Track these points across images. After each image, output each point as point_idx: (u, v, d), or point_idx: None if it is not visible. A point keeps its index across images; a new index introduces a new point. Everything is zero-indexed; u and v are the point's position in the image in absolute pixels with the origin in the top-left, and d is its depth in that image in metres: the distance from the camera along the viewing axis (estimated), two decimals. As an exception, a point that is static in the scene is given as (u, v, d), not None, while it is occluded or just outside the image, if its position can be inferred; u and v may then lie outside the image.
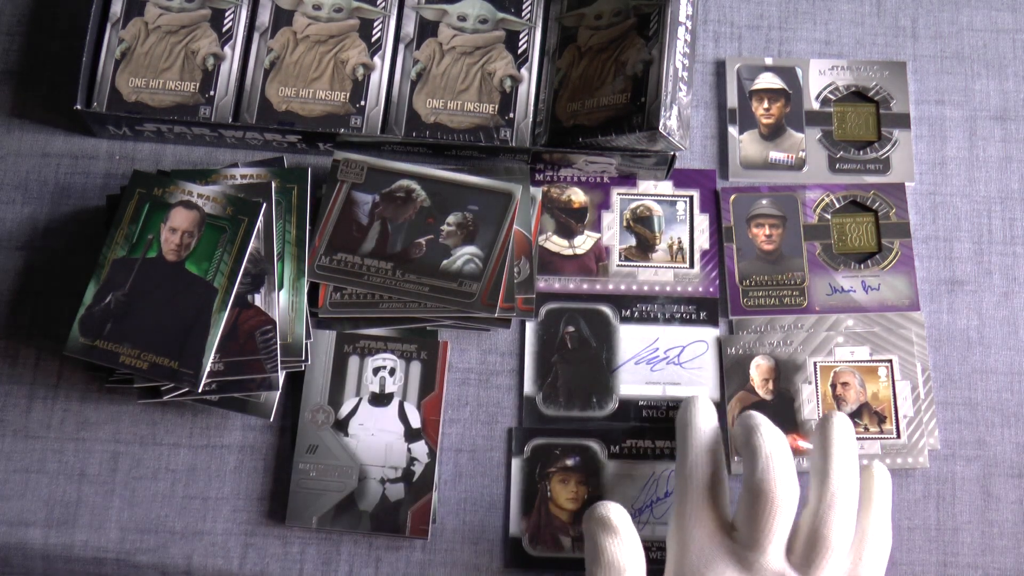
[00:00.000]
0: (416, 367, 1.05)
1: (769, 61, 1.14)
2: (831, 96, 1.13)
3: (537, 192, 1.10)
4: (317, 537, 1.02)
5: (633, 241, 1.10)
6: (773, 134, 1.12)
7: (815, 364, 1.05)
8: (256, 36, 1.11)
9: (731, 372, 1.05)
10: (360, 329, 1.05)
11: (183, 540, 1.02)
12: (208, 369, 0.97)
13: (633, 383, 1.05)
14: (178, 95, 1.10)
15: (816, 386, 1.05)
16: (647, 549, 1.01)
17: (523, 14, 1.12)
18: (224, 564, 1.01)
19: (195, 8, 1.12)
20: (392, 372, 1.04)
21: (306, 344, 1.00)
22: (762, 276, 1.08)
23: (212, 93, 1.10)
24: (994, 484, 1.03)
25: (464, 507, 1.03)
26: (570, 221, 1.10)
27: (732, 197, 1.10)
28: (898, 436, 1.03)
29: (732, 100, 1.13)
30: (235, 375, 0.98)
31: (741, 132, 1.12)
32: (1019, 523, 1.02)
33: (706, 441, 0.91)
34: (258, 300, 1.00)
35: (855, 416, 1.04)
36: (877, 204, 1.10)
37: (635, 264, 1.09)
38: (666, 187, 1.11)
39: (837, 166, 1.11)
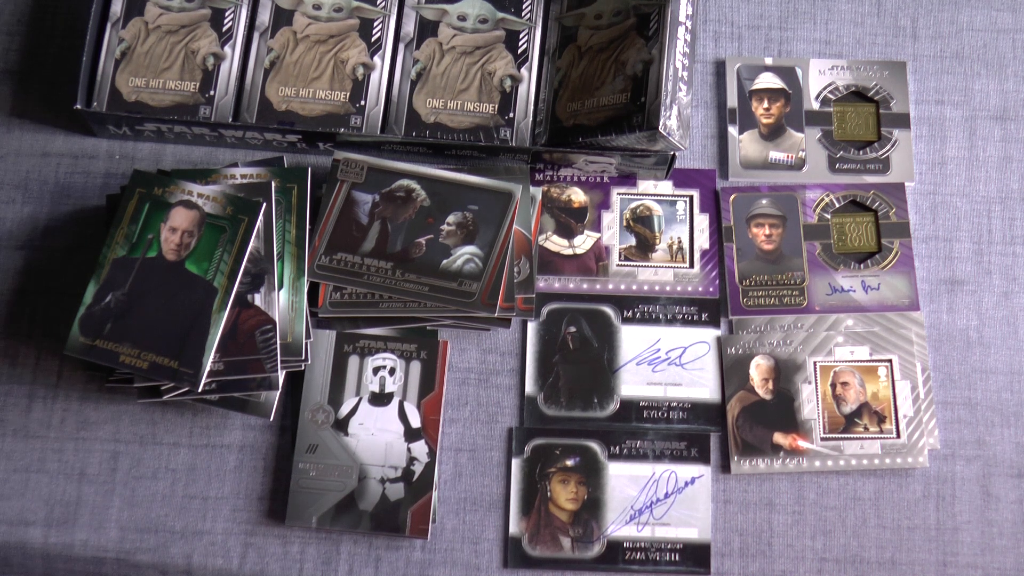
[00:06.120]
0: (416, 367, 1.05)
1: (769, 61, 1.14)
2: (831, 96, 1.13)
3: (537, 192, 1.10)
4: (317, 537, 1.02)
5: (633, 241, 1.10)
6: (773, 134, 1.12)
7: (815, 364, 1.05)
8: (256, 36, 1.11)
9: (731, 372, 1.05)
10: (360, 329, 1.05)
11: (183, 540, 1.02)
12: (208, 369, 0.97)
13: (634, 384, 1.05)
14: (178, 95, 1.09)
15: (816, 386, 1.05)
16: (646, 550, 1.01)
17: (523, 14, 1.12)
18: (224, 564, 1.01)
19: (195, 8, 1.12)
20: (392, 372, 1.04)
21: (306, 344, 1.00)
22: (762, 276, 1.08)
23: (212, 93, 1.10)
24: (994, 484, 1.03)
25: (464, 507, 1.03)
26: (570, 221, 1.10)
27: (732, 197, 1.10)
28: (898, 436, 1.03)
29: (732, 100, 1.13)
30: (235, 375, 0.98)
31: (741, 132, 1.12)
32: (1019, 523, 1.02)
33: None
34: (258, 300, 1.00)
35: (855, 416, 1.04)
36: (877, 204, 1.10)
37: (635, 264, 1.09)
38: (666, 187, 1.11)
39: (837, 166, 1.11)
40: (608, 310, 1.07)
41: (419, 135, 1.09)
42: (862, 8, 1.17)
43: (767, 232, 1.09)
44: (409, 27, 1.12)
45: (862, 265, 1.08)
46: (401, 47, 1.12)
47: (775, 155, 1.12)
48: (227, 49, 1.11)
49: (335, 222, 1.05)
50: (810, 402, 1.04)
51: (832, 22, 1.16)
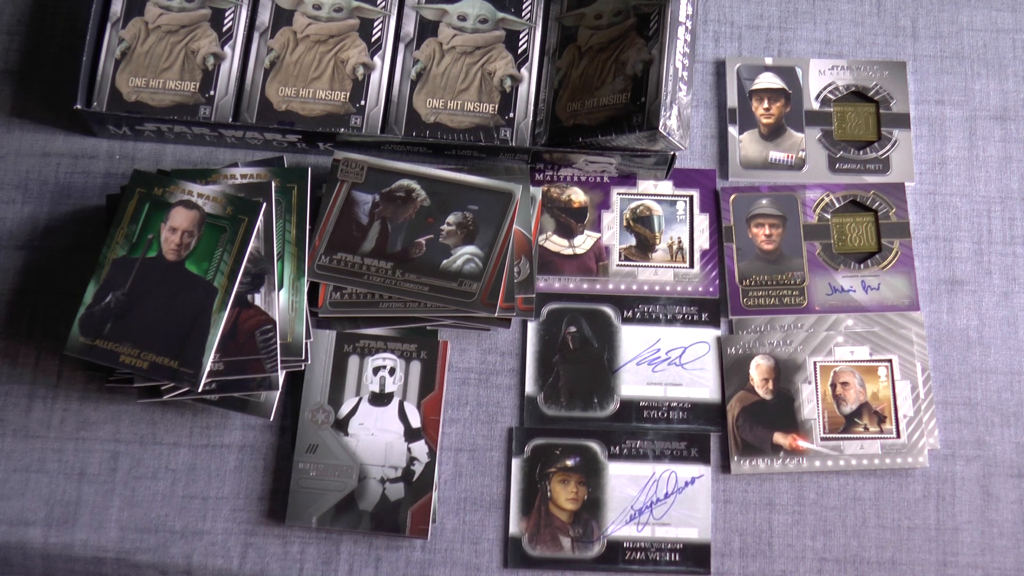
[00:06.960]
0: (416, 367, 1.05)
1: (769, 61, 1.14)
2: (831, 96, 1.13)
3: (537, 192, 1.10)
4: (317, 537, 1.02)
5: (633, 241, 1.10)
6: (773, 134, 1.12)
7: (815, 364, 1.05)
8: (256, 36, 1.11)
9: (731, 372, 1.05)
10: (360, 329, 1.05)
11: (183, 540, 1.02)
12: (208, 368, 0.97)
13: (634, 384, 1.05)
14: (178, 95, 1.09)
15: (816, 386, 1.05)
16: (646, 550, 1.01)
17: (523, 14, 1.12)
18: (224, 564, 1.01)
19: (195, 8, 1.12)
20: (392, 372, 1.04)
21: (306, 344, 1.00)
22: (762, 276, 1.08)
23: (212, 93, 1.10)
24: (994, 484, 1.03)
25: (464, 507, 1.03)
26: (570, 221, 1.10)
27: (732, 197, 1.10)
28: (898, 436, 1.03)
29: (732, 100, 1.13)
30: (235, 375, 0.98)
31: (741, 132, 1.12)
32: (1019, 523, 1.02)
33: None
34: (258, 300, 1.00)
35: (855, 416, 1.04)
36: (877, 204, 1.10)
37: (635, 264, 1.09)
38: (666, 187, 1.11)
39: (837, 166, 1.11)
40: (608, 310, 1.07)
41: (419, 135, 1.09)
42: (862, 8, 1.17)
43: (767, 232, 1.09)
44: (409, 27, 1.12)
45: (862, 265, 1.08)
46: (401, 47, 1.12)
47: (775, 155, 1.12)
48: (227, 49, 1.11)
49: (335, 222, 1.05)
50: (810, 402, 1.04)
51: (832, 22, 1.16)
